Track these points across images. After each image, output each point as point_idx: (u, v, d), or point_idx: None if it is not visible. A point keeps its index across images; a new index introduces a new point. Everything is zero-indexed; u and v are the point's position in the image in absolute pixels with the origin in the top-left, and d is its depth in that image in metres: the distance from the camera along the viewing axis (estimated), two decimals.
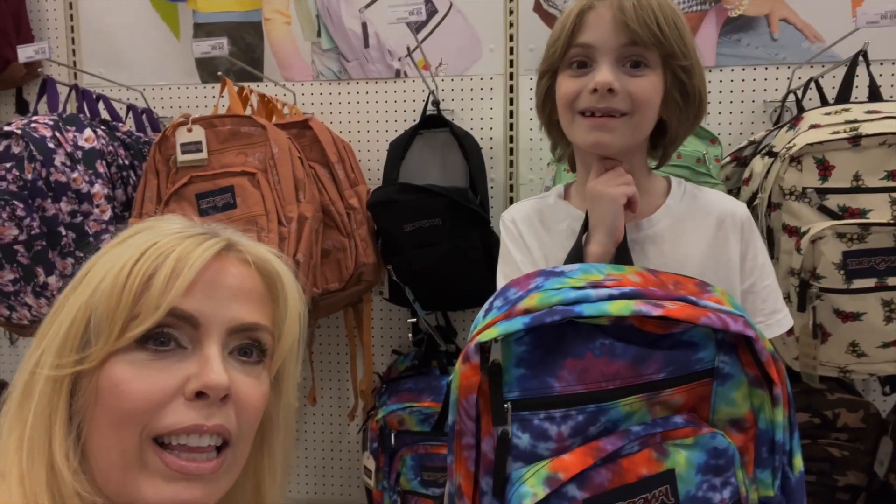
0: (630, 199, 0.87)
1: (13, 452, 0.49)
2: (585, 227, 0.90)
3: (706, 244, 0.91)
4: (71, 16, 2.11)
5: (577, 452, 0.67)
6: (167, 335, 0.52)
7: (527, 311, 0.69)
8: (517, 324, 0.67)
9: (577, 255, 0.88)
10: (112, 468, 0.50)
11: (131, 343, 0.50)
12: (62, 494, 0.48)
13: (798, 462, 0.73)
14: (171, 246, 0.53)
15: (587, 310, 0.67)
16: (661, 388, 0.70)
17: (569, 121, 0.90)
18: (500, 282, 0.99)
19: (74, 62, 2.11)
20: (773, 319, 0.94)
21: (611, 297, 0.68)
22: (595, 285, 0.70)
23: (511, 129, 1.94)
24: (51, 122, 1.50)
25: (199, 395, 0.51)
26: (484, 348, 0.70)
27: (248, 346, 0.56)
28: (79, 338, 0.51)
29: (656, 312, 0.67)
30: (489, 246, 1.67)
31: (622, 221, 0.87)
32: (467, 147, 1.77)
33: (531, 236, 0.98)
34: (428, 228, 1.61)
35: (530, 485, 0.66)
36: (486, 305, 0.76)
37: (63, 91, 1.78)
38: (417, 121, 1.84)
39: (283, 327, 0.59)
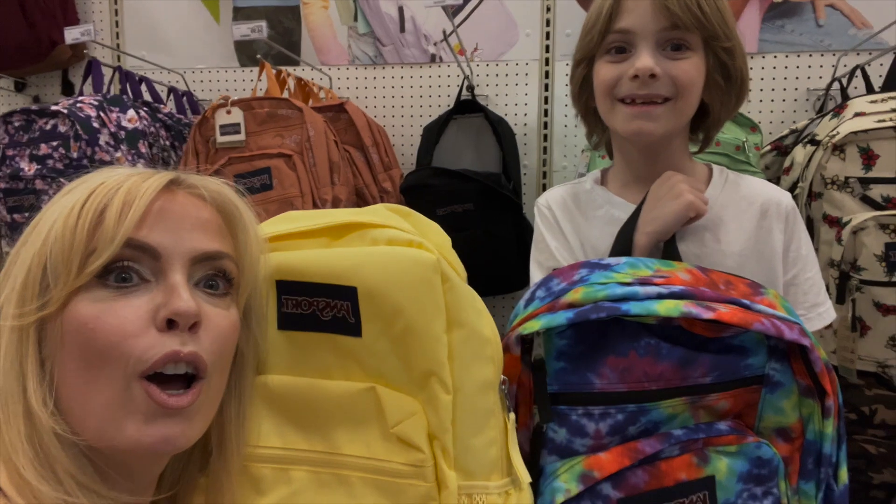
0: (696, 217, 0.85)
1: None
2: (635, 217, 0.88)
3: (749, 234, 0.89)
4: (115, 0, 2.16)
5: (613, 452, 0.65)
6: (128, 269, 0.51)
7: (571, 306, 0.67)
8: (560, 318, 0.65)
9: (624, 244, 0.86)
10: (90, 409, 0.50)
11: (92, 280, 0.49)
12: (42, 441, 0.48)
13: (843, 474, 0.70)
14: (119, 182, 0.52)
15: (634, 308, 0.64)
16: (707, 393, 0.67)
17: (608, 108, 0.88)
18: (534, 269, 0.98)
19: (118, 45, 2.16)
20: (815, 313, 0.91)
21: (660, 297, 0.66)
22: (643, 282, 0.68)
23: (545, 115, 1.93)
24: (96, 103, 1.54)
25: (170, 324, 0.50)
26: (525, 340, 0.68)
27: (213, 276, 0.55)
28: (37, 284, 0.50)
29: (707, 315, 0.64)
30: (521, 232, 1.67)
31: (679, 227, 0.85)
32: (501, 133, 1.76)
33: (567, 222, 0.97)
34: (461, 213, 1.61)
35: (564, 480, 0.65)
36: (527, 295, 0.75)
37: (107, 73, 1.82)
38: (452, 106, 1.84)
39: (244, 257, 0.58)
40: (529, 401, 0.69)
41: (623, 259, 0.74)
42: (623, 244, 0.86)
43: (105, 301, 0.50)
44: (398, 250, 0.60)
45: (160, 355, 0.49)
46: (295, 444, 0.61)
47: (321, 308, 0.61)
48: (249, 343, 0.61)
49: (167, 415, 0.50)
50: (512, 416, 0.64)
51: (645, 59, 0.82)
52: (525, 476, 0.62)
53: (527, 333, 0.67)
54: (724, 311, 0.64)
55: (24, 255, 0.51)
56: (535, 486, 0.67)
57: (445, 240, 0.67)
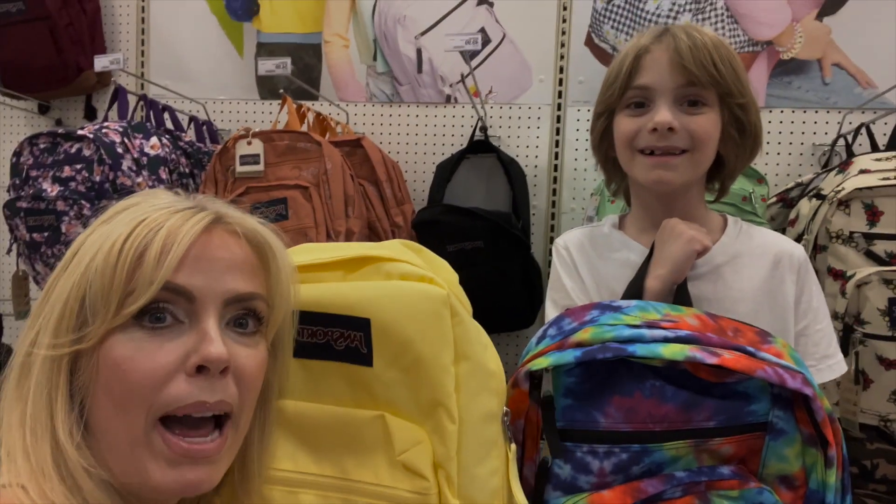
0: (702, 251, 0.88)
1: (16, 430, 0.50)
2: (648, 261, 0.90)
3: (761, 282, 0.91)
4: (143, 30, 2.23)
5: (616, 490, 0.67)
6: (163, 310, 0.51)
7: (579, 345, 0.69)
8: (569, 356, 0.68)
9: (636, 288, 0.88)
10: (118, 447, 0.51)
11: (129, 320, 0.50)
12: (69, 469, 0.49)
13: None
14: (160, 221, 0.52)
15: (640, 350, 0.66)
16: (711, 437, 0.69)
17: (629, 159, 0.92)
18: (549, 307, 1.00)
19: (142, 73, 2.23)
20: (825, 364, 0.92)
21: (666, 340, 0.68)
22: (651, 325, 0.70)
23: (556, 157, 1.97)
24: (120, 129, 1.59)
25: (200, 369, 0.51)
26: (534, 376, 0.70)
27: (244, 315, 0.56)
28: (74, 317, 0.51)
29: (711, 360, 0.66)
30: (528, 271, 1.69)
31: (689, 265, 0.87)
32: (512, 173, 1.80)
33: (584, 264, 0.99)
34: (470, 250, 1.64)
35: None
36: (539, 332, 0.77)
37: (132, 100, 1.87)
38: (465, 145, 1.88)
39: (276, 295, 0.59)
40: (537, 435, 0.71)
41: (634, 302, 0.76)
42: (635, 288, 0.88)
43: (139, 342, 0.51)
44: (411, 285, 0.63)
45: (187, 404, 0.51)
46: (305, 468, 0.63)
47: (335, 338, 0.64)
48: (276, 372, 0.63)
49: (191, 461, 0.51)
50: (513, 446, 0.66)
51: (664, 114, 0.86)
52: None
53: (536, 370, 0.69)
54: (729, 357, 0.66)
55: (64, 282, 0.52)
56: None
57: (454, 276, 0.70)
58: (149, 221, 0.53)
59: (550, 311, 0.99)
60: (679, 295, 0.87)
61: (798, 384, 0.67)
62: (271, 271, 0.59)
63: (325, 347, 0.64)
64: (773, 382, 0.66)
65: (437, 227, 1.66)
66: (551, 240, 1.98)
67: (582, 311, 0.75)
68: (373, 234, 1.71)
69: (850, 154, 1.56)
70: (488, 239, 1.63)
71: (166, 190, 0.60)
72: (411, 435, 0.61)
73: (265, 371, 0.59)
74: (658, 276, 0.87)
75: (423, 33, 2.03)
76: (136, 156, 1.57)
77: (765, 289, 0.90)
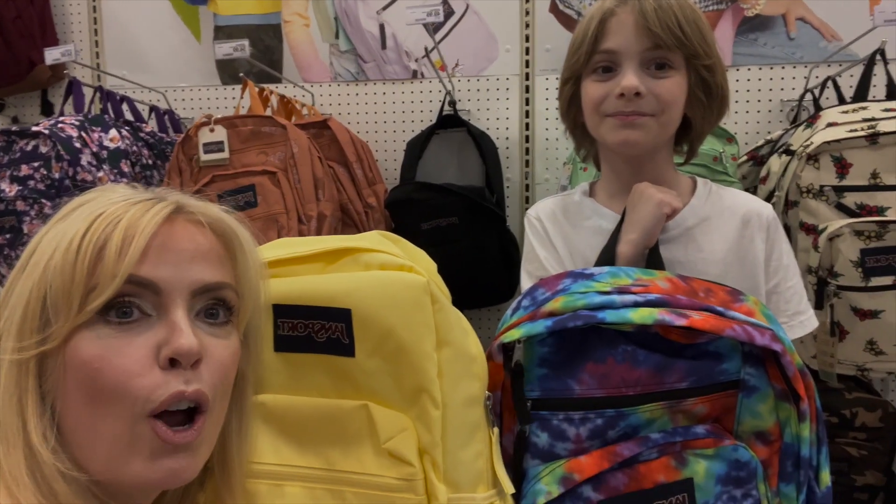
0: (672, 213, 0.88)
1: None
2: (620, 227, 0.91)
3: (731, 243, 0.91)
4: (94, 19, 2.16)
5: (593, 455, 0.68)
6: (129, 304, 0.50)
7: (551, 314, 0.70)
8: (539, 326, 0.69)
9: (609, 254, 0.89)
10: (96, 445, 0.50)
11: (93, 316, 0.49)
12: (43, 474, 0.48)
13: (825, 477, 0.72)
14: (118, 214, 0.51)
15: (610, 316, 0.67)
16: (684, 398, 0.70)
17: (596, 123, 0.92)
18: (524, 279, 1.00)
19: (98, 64, 2.16)
20: (797, 321, 0.93)
21: (636, 305, 0.68)
22: (621, 290, 0.71)
23: (527, 128, 1.95)
24: (77, 123, 1.54)
25: (172, 361, 0.50)
26: (507, 348, 0.71)
27: (214, 306, 0.55)
28: (37, 318, 0.49)
29: (680, 322, 0.66)
30: (505, 244, 1.69)
31: (659, 228, 0.87)
32: (483, 147, 1.78)
33: (557, 234, 0.99)
34: (445, 227, 1.62)
35: (545, 483, 0.67)
36: (514, 304, 0.78)
37: (88, 92, 1.82)
38: (434, 121, 1.86)
39: (245, 283, 0.58)
40: (512, 406, 0.71)
41: (606, 269, 0.76)
42: (608, 255, 0.88)
43: (108, 338, 0.49)
44: (391, 274, 0.63)
45: (166, 395, 0.50)
46: (290, 461, 0.63)
47: (316, 330, 0.64)
48: (250, 363, 0.62)
49: (172, 451, 0.51)
50: (496, 429, 0.67)
51: (630, 79, 0.86)
52: (509, 487, 0.65)
53: (508, 342, 0.70)
54: (697, 318, 0.67)
55: (22, 286, 0.51)
56: (519, 489, 0.69)
57: (432, 265, 0.71)
58: (107, 215, 0.51)
59: (525, 283, 0.99)
60: (651, 258, 0.87)
61: (767, 340, 0.67)
62: (238, 260, 0.58)
63: (306, 340, 0.64)
64: (742, 340, 0.68)
65: (410, 206, 1.65)
66: (526, 211, 1.97)
67: (555, 281, 0.75)
68: (346, 217, 1.68)
69: (818, 108, 1.56)
70: (463, 214, 1.61)
71: (123, 184, 0.58)
72: (396, 423, 0.61)
73: (238, 362, 0.58)
74: (629, 240, 0.87)
75: (385, 8, 1.98)
76: (95, 150, 1.52)
77: (735, 249, 0.91)
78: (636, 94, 0.85)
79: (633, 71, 0.86)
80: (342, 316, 0.62)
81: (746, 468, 0.69)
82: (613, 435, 0.69)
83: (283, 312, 0.64)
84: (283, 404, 0.64)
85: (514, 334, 0.70)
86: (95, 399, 0.49)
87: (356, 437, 0.62)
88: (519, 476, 0.70)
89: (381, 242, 0.68)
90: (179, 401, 0.51)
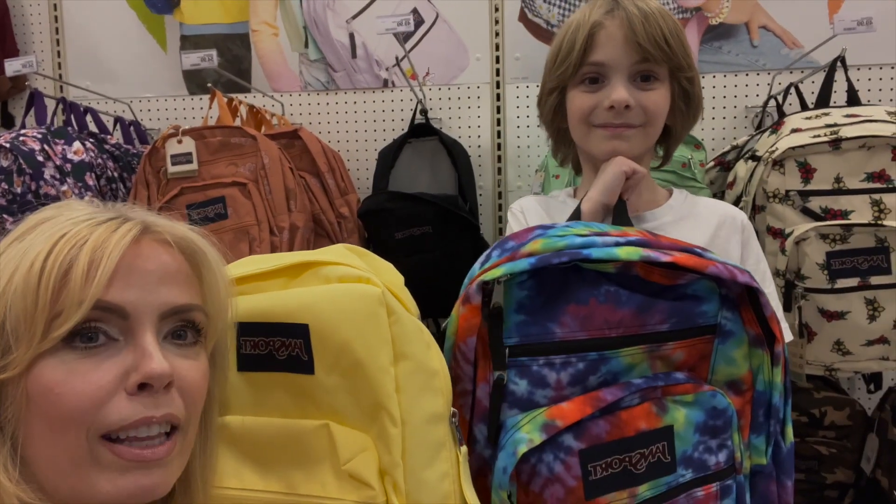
0: (633, 175, 0.90)
1: None
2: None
3: (706, 242, 0.93)
4: (56, 29, 2.11)
5: (576, 401, 0.65)
6: (95, 329, 0.48)
7: (532, 254, 0.66)
8: (522, 264, 0.65)
9: (576, 213, 0.91)
10: (61, 471, 0.48)
11: (57, 343, 0.47)
12: None
13: (789, 432, 0.72)
14: (83, 235, 0.49)
15: (596, 253, 0.65)
16: (664, 341, 0.69)
17: (584, 133, 0.94)
18: None
19: (60, 75, 2.11)
20: None
21: (618, 244, 0.67)
22: (600, 234, 0.70)
23: (498, 136, 1.96)
24: (39, 136, 1.50)
25: (142, 386, 0.49)
26: (486, 290, 0.67)
27: (182, 327, 0.54)
28: None
29: (665, 259, 0.66)
30: (479, 252, 1.67)
31: (619, 187, 0.89)
32: (456, 155, 1.78)
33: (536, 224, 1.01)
34: (419, 236, 1.62)
35: (526, 431, 0.64)
36: (482, 258, 0.74)
37: (50, 104, 1.77)
38: (406, 130, 1.85)
39: (213, 302, 0.57)
40: (488, 354, 0.68)
41: (575, 222, 0.76)
42: (573, 218, 0.90)
43: (71, 364, 0.48)
44: (346, 286, 0.62)
45: (131, 421, 0.48)
46: (252, 485, 0.61)
47: (277, 347, 0.62)
48: (217, 383, 0.60)
49: (143, 466, 0.49)
50: (464, 448, 0.64)
51: (621, 92, 0.88)
52: None
53: (489, 280, 0.66)
54: (680, 256, 0.67)
55: None
56: (496, 441, 0.67)
57: (398, 278, 0.69)
58: (71, 236, 0.49)
59: None
60: (618, 215, 0.89)
61: (747, 278, 0.68)
62: (206, 279, 0.56)
63: (267, 358, 0.62)
64: (725, 277, 0.67)
65: (383, 215, 1.63)
66: (500, 219, 1.97)
67: (524, 233, 0.72)
68: (318, 227, 1.67)
69: (782, 114, 1.59)
70: (436, 223, 1.61)
71: (85, 200, 0.56)
72: (356, 442, 0.60)
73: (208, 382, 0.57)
74: (589, 198, 0.89)
75: (355, 17, 1.98)
76: (58, 163, 1.48)
77: (710, 248, 0.92)
78: (626, 107, 0.88)
79: (622, 84, 0.89)
80: (300, 331, 0.60)
81: (723, 416, 0.69)
82: (594, 381, 0.67)
83: (246, 330, 0.63)
84: (246, 426, 0.62)
85: (494, 273, 0.66)
86: (56, 426, 0.47)
87: (317, 458, 0.60)
88: (496, 428, 0.67)
89: (345, 255, 0.66)
90: (149, 426, 0.49)
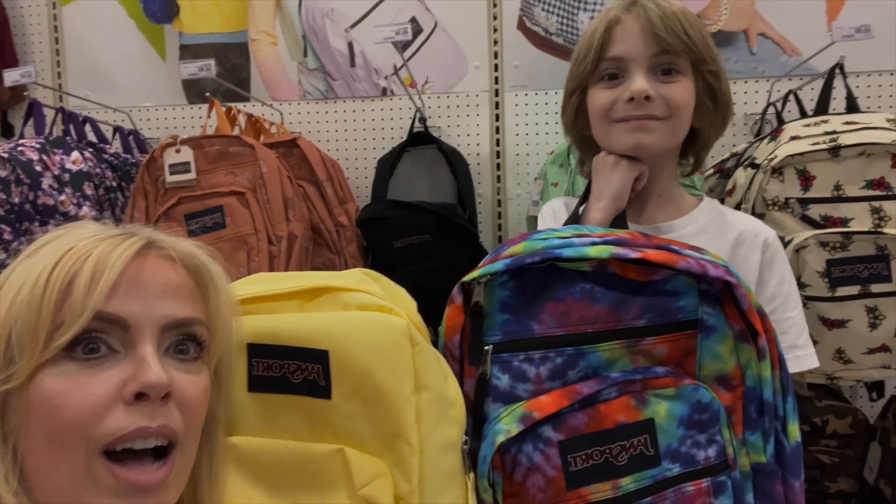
0: (639, 178, 0.89)
1: None
2: (584, 198, 0.92)
3: (724, 257, 0.91)
4: (56, 39, 2.12)
5: (553, 394, 0.67)
6: (96, 340, 0.49)
7: (510, 256, 0.70)
8: (499, 265, 0.68)
9: (574, 217, 0.91)
10: (58, 487, 0.48)
11: (59, 353, 0.48)
12: None
13: (794, 430, 0.71)
14: (88, 249, 0.50)
15: (567, 252, 0.67)
16: (642, 336, 0.70)
17: (605, 130, 0.91)
18: None
19: (60, 85, 2.11)
20: (792, 355, 0.90)
21: (593, 244, 0.69)
22: (580, 236, 0.72)
23: (497, 144, 1.96)
24: (37, 146, 1.50)
25: (140, 396, 0.49)
26: (467, 290, 0.70)
27: (184, 341, 0.54)
28: (1, 357, 0.48)
29: (634, 255, 0.67)
30: (479, 260, 1.67)
31: (628, 192, 0.88)
32: (455, 163, 1.78)
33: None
34: (417, 245, 1.61)
35: (505, 422, 0.66)
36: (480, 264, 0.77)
37: (49, 114, 1.77)
38: (405, 138, 1.85)
39: (216, 319, 0.57)
40: (469, 350, 0.70)
41: (570, 226, 0.78)
42: (574, 221, 0.91)
43: (72, 374, 0.48)
44: (369, 315, 0.62)
45: (126, 431, 0.48)
46: None
47: (292, 371, 0.62)
48: (220, 403, 0.60)
49: (140, 491, 0.49)
50: (472, 475, 0.65)
51: (640, 82, 0.86)
52: None
53: (468, 281, 0.69)
54: (651, 253, 0.68)
55: None
56: (479, 433, 0.69)
57: (412, 304, 0.71)
58: (76, 250, 0.50)
59: None
60: (617, 222, 0.89)
61: (720, 272, 0.68)
62: (210, 295, 0.57)
63: (281, 381, 0.63)
64: (695, 272, 0.68)
65: (382, 224, 1.63)
66: (499, 227, 1.97)
67: (518, 238, 0.75)
68: (317, 236, 1.66)
69: (781, 121, 1.59)
70: (435, 232, 1.60)
71: (94, 221, 0.57)
72: (372, 468, 0.60)
73: (209, 400, 0.56)
74: (600, 207, 0.88)
75: (353, 26, 1.98)
76: (56, 173, 1.48)
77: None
78: (646, 97, 0.85)
79: (641, 75, 0.86)
80: (319, 357, 0.61)
81: (709, 410, 0.69)
82: (574, 376, 0.69)
83: (258, 352, 0.63)
84: (256, 447, 0.62)
85: (474, 273, 0.69)
86: (54, 438, 0.47)
87: (331, 482, 0.60)
88: (480, 420, 0.69)
89: (362, 281, 0.67)
90: (145, 437, 0.49)
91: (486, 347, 0.69)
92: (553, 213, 1.03)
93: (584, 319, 0.69)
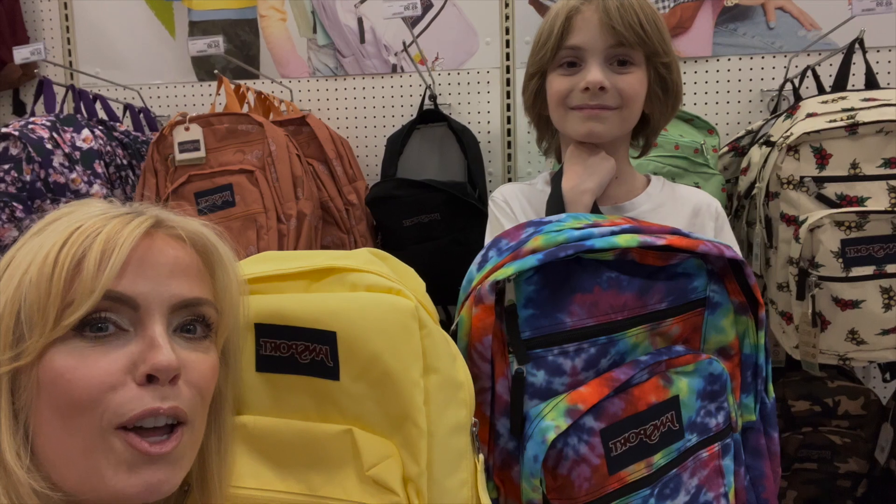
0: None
1: None
2: (558, 178, 0.95)
3: (682, 227, 0.94)
4: (66, 16, 2.11)
5: (592, 384, 0.68)
6: (105, 319, 0.49)
7: (535, 251, 0.69)
8: (531, 261, 0.67)
9: (557, 202, 0.93)
10: (71, 461, 0.48)
11: (68, 332, 0.48)
12: (18, 494, 0.47)
13: (771, 389, 0.80)
14: (96, 227, 0.50)
15: (598, 243, 0.68)
16: (663, 318, 0.74)
17: (562, 116, 0.96)
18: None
19: (70, 62, 2.11)
20: None
21: (614, 233, 0.70)
22: (593, 225, 0.72)
23: (508, 122, 1.94)
24: (48, 123, 1.50)
25: (150, 377, 0.49)
26: (497, 289, 0.69)
27: (192, 321, 0.54)
28: (10, 333, 0.48)
29: (660, 242, 0.70)
30: None
31: (609, 181, 0.95)
32: (465, 141, 1.77)
33: (521, 216, 1.03)
34: (427, 223, 1.61)
35: (551, 418, 0.66)
36: (478, 258, 0.76)
37: (60, 92, 1.78)
38: (415, 115, 1.84)
39: (224, 299, 0.57)
40: (504, 350, 0.71)
41: (563, 215, 0.78)
42: (556, 205, 0.93)
43: (82, 352, 0.48)
44: (378, 296, 0.62)
45: (139, 411, 0.49)
46: (271, 486, 0.61)
47: (300, 351, 0.62)
48: (228, 381, 0.61)
49: (150, 462, 0.49)
50: (481, 457, 0.65)
51: (595, 74, 0.91)
52: None
53: (500, 279, 0.68)
54: (673, 238, 0.71)
55: None
56: (521, 433, 0.69)
57: (421, 285, 0.70)
58: (85, 228, 0.50)
59: None
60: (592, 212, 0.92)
61: (733, 253, 0.74)
62: (218, 275, 0.57)
63: (289, 361, 0.62)
64: (714, 254, 0.72)
65: (391, 203, 1.63)
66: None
67: (516, 231, 0.75)
68: (326, 215, 1.66)
69: (798, 98, 1.56)
70: (445, 210, 1.60)
71: (101, 200, 0.57)
72: (380, 449, 0.60)
73: (217, 378, 0.57)
74: (587, 189, 0.92)
75: (363, 1, 1.96)
76: (67, 150, 1.49)
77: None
78: (601, 88, 0.90)
79: (597, 66, 0.91)
80: (327, 338, 0.60)
81: (719, 381, 0.74)
82: (606, 363, 0.71)
83: (266, 332, 0.63)
84: (265, 426, 0.62)
85: (506, 271, 0.68)
86: (66, 413, 0.48)
87: (339, 462, 0.60)
88: (519, 419, 0.69)
89: (370, 262, 0.66)
90: (155, 417, 0.50)
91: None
92: (506, 202, 1.05)
93: (613, 308, 0.71)
